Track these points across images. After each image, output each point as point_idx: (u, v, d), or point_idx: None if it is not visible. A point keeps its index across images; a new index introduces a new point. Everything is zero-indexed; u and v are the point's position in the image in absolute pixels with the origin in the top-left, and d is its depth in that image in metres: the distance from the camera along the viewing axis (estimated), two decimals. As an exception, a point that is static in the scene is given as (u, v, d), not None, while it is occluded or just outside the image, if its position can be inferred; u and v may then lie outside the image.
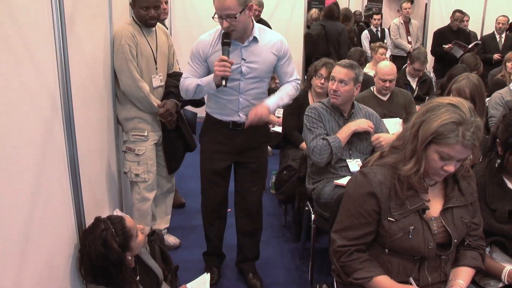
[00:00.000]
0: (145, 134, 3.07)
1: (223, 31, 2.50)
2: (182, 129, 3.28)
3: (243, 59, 2.60)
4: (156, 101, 3.04)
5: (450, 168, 1.65)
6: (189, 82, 2.66)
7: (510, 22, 6.99)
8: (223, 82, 2.46)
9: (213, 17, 2.49)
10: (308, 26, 7.07)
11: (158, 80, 3.10)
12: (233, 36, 2.49)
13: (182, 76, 2.73)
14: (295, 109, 3.64)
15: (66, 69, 1.95)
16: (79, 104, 2.17)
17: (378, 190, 1.72)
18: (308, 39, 6.48)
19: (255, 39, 2.60)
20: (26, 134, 1.66)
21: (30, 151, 1.69)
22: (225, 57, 2.44)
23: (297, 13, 7.05)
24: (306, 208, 3.02)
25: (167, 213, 3.54)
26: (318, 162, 2.80)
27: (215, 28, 2.65)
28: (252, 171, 2.86)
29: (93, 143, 2.55)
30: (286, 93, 2.75)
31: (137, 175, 3.08)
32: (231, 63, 2.46)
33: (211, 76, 2.53)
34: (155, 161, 3.17)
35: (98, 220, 2.04)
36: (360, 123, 2.88)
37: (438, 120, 1.60)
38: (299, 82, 2.84)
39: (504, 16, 6.88)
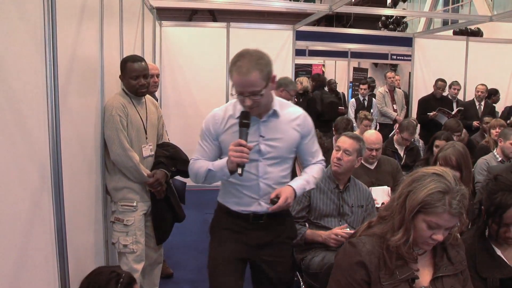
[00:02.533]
0: (134, 204, 3.07)
1: (242, 109, 2.16)
2: (171, 199, 3.28)
3: (261, 136, 2.23)
4: (145, 171, 3.07)
5: (439, 237, 1.67)
6: (199, 165, 2.27)
7: (488, 90, 7.29)
8: (239, 170, 2.08)
9: (231, 94, 2.14)
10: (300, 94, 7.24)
11: (148, 150, 3.15)
12: (253, 113, 2.16)
13: (192, 157, 2.36)
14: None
15: (57, 139, 1.99)
16: (69, 174, 2.19)
17: (367, 260, 1.72)
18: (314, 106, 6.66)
19: (275, 113, 2.25)
20: (13, 206, 1.66)
21: (17, 225, 1.69)
22: (242, 141, 2.08)
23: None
24: (296, 279, 2.98)
25: (155, 284, 3.47)
26: None
27: (230, 102, 2.31)
28: (272, 279, 2.38)
29: (81, 213, 2.55)
30: (312, 176, 2.36)
31: (125, 245, 3.05)
32: (250, 149, 2.10)
33: (225, 160, 2.16)
34: (143, 231, 3.15)
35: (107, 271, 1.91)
36: (328, 240, 2.76)
37: (425, 190, 1.64)
38: (324, 163, 2.47)
39: (482, 84, 7.23)
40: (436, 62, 7.83)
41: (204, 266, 2.49)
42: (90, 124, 2.77)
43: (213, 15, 17.25)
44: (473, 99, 7.31)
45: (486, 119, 5.94)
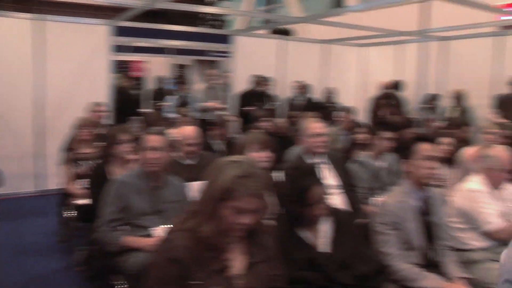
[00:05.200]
0: None
1: None
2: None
3: None
4: None
5: (247, 220, 1.78)
6: None
7: (305, 84, 8.00)
8: None
9: None
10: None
11: None
12: None
13: None
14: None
15: None
16: None
17: (181, 255, 1.76)
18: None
19: None
20: None
21: None
22: None
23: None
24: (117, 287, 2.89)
25: None
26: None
27: None
28: None
29: None
30: None
31: None
32: None
33: None
34: None
35: None
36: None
37: (224, 177, 1.75)
38: None
39: (298, 81, 7.86)
40: (254, 59, 8.27)
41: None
42: None
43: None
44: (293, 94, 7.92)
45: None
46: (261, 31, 9.71)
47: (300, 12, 13.49)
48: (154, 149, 2.94)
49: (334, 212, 2.47)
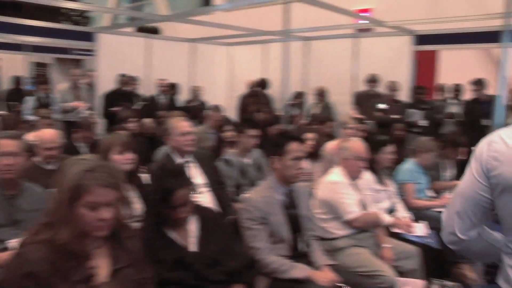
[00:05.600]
0: None
1: None
2: None
3: None
4: None
5: (105, 214, 1.71)
6: None
7: (171, 84, 7.94)
8: None
9: None
10: None
11: None
12: None
13: None
14: None
15: None
16: None
17: (36, 269, 1.64)
18: None
19: None
20: None
21: None
22: None
23: None
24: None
25: None
26: None
27: None
28: None
29: None
30: None
31: None
32: None
33: None
34: None
35: None
36: None
37: (70, 175, 1.69)
38: None
39: (162, 79, 7.92)
40: (119, 58, 8.02)
41: None
42: None
43: None
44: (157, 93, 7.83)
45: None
46: (126, 29, 9.44)
47: (167, 10, 13.37)
48: (7, 154, 2.70)
49: (200, 211, 2.48)
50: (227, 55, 9.94)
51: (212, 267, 2.35)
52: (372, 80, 7.34)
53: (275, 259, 2.75)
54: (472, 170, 1.56)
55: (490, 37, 5.22)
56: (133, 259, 1.91)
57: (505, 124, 6.27)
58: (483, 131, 5.98)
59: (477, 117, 6.44)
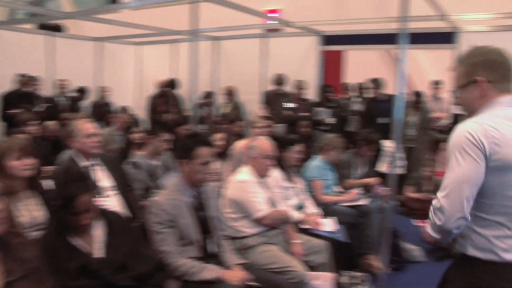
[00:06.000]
0: None
1: None
2: None
3: None
4: None
5: None
6: None
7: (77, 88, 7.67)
8: None
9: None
10: None
11: None
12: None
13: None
14: None
15: None
16: None
17: None
18: None
19: None
20: None
21: None
22: None
23: None
24: None
25: None
26: None
27: None
28: None
29: None
30: None
31: None
32: None
33: None
34: None
35: None
36: None
37: None
38: (436, 200, 1.87)
39: (62, 80, 7.72)
40: (18, 56, 7.57)
41: None
42: None
43: None
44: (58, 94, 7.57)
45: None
46: (26, 25, 8.91)
47: (72, 7, 12.81)
48: None
49: (106, 215, 2.42)
50: (135, 54, 9.76)
51: (120, 272, 2.31)
52: (279, 81, 7.50)
53: (185, 261, 2.74)
54: (471, 157, 1.73)
55: (390, 38, 5.53)
56: (28, 269, 1.81)
57: (405, 122, 6.65)
58: (379, 129, 6.35)
59: (374, 115, 6.78)
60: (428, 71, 10.15)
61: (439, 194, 1.78)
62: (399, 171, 6.71)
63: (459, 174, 1.74)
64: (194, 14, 4.89)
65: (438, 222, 1.76)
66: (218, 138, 4.63)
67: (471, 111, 1.93)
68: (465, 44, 6.33)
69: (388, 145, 6.67)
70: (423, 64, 10.45)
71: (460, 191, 1.73)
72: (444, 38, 6.58)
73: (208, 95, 8.08)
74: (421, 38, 6.62)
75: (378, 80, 6.97)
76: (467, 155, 1.74)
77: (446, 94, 7.55)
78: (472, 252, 1.83)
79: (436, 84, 7.79)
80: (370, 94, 7.18)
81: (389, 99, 6.71)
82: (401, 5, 3.62)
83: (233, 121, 5.93)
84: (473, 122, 1.78)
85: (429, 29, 6.57)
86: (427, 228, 1.84)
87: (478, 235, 1.81)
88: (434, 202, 1.80)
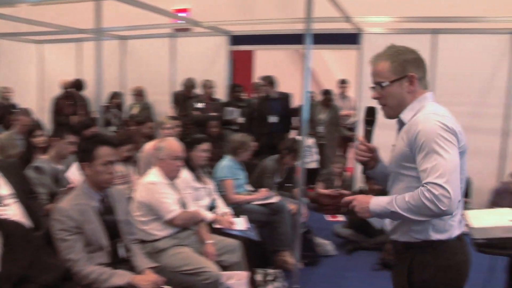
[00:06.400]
0: None
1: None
2: None
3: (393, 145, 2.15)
4: None
5: None
6: None
7: None
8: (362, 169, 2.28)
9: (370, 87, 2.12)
10: None
11: None
12: (385, 113, 2.11)
13: None
14: None
15: None
16: None
17: None
18: None
19: (402, 121, 2.08)
20: None
21: None
22: (361, 138, 2.20)
23: None
24: None
25: None
26: None
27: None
28: None
29: None
30: (402, 197, 1.91)
31: None
32: (370, 148, 2.18)
33: None
34: None
35: None
36: None
37: None
38: (435, 187, 1.82)
39: None
40: None
41: None
42: None
43: None
44: None
45: None
46: None
47: None
48: None
49: (3, 226, 2.27)
50: (36, 53, 9.25)
51: (21, 284, 2.18)
52: (189, 86, 7.45)
53: (94, 268, 2.65)
54: (452, 144, 1.83)
55: (296, 38, 5.67)
56: None
57: (316, 119, 6.85)
58: (270, 127, 6.51)
59: (264, 114, 6.81)
60: (335, 70, 10.59)
61: (438, 181, 1.77)
62: (313, 165, 6.96)
63: (451, 160, 1.80)
64: (98, 12, 4.73)
65: (443, 208, 1.76)
66: (128, 140, 4.49)
67: (398, 105, 2.01)
68: (367, 45, 6.71)
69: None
70: (330, 63, 10.87)
71: (457, 176, 1.80)
72: (349, 39, 6.88)
73: (115, 96, 7.85)
74: (327, 39, 6.88)
75: (270, 78, 6.91)
76: (449, 142, 1.82)
77: (352, 92, 7.90)
78: (435, 236, 1.95)
79: (343, 83, 8.12)
80: (262, 92, 7.08)
81: (281, 97, 6.85)
82: (305, 6, 3.74)
83: (142, 123, 5.82)
84: (434, 114, 1.89)
85: (335, 30, 6.84)
86: (399, 210, 1.86)
87: (439, 219, 1.93)
88: (431, 189, 1.77)
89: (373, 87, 2.06)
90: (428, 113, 1.90)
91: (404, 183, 2.00)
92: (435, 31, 6.35)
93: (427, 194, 1.78)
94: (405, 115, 2.00)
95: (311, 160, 6.90)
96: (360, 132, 2.25)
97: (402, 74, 1.97)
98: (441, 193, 1.76)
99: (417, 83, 1.99)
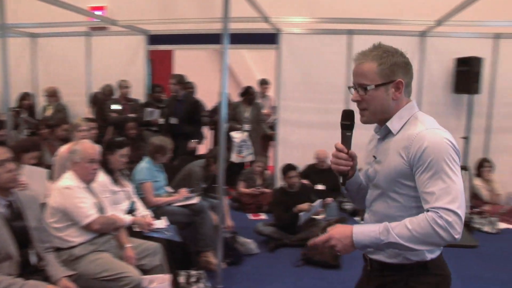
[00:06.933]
0: None
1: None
2: None
3: (374, 156, 1.94)
4: None
5: None
6: None
7: None
8: (340, 180, 1.95)
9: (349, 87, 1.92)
10: None
11: None
12: (363, 119, 1.87)
13: None
14: None
15: None
16: None
17: None
18: None
19: (387, 129, 1.85)
20: None
21: None
22: (339, 145, 1.89)
23: None
24: None
25: None
26: None
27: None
28: None
29: None
30: (404, 226, 1.66)
31: None
32: (350, 155, 1.89)
33: None
34: None
35: None
36: None
37: None
38: (449, 213, 1.61)
39: None
40: None
41: None
42: None
43: None
44: None
45: None
46: None
47: None
48: None
49: None
50: None
51: None
52: (107, 92, 7.25)
53: (2, 279, 2.51)
54: (458, 165, 1.67)
55: (215, 38, 5.68)
56: None
57: (240, 117, 6.87)
58: (170, 128, 6.47)
59: (167, 114, 6.70)
60: (255, 70, 10.71)
61: (451, 207, 1.60)
62: (250, 158, 7.01)
63: (460, 183, 1.65)
64: (1, 7, 4.46)
65: (456, 236, 1.59)
66: (37, 142, 4.31)
67: (381, 112, 1.82)
68: (285, 44, 6.86)
69: (236, 136, 6.88)
70: (250, 63, 10.99)
71: (464, 200, 1.66)
72: (268, 38, 7.00)
73: (26, 97, 7.45)
74: (246, 38, 6.97)
75: (179, 77, 6.78)
76: (455, 163, 1.67)
77: (271, 92, 8.03)
78: (429, 256, 1.81)
79: (264, 83, 8.24)
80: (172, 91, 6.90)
81: (186, 100, 6.69)
82: (223, 6, 3.76)
83: (55, 126, 5.59)
84: (439, 130, 1.72)
85: (254, 30, 6.93)
86: (400, 240, 1.65)
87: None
88: (444, 216, 1.59)
89: (354, 88, 1.84)
90: (432, 128, 1.72)
91: (397, 203, 1.80)
92: (351, 32, 6.60)
93: (439, 221, 1.58)
94: (393, 124, 1.81)
95: (248, 153, 6.95)
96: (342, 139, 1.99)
97: (390, 79, 1.77)
98: (454, 220, 1.59)
99: (404, 90, 1.79)
